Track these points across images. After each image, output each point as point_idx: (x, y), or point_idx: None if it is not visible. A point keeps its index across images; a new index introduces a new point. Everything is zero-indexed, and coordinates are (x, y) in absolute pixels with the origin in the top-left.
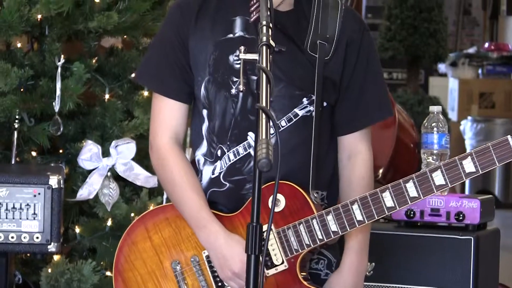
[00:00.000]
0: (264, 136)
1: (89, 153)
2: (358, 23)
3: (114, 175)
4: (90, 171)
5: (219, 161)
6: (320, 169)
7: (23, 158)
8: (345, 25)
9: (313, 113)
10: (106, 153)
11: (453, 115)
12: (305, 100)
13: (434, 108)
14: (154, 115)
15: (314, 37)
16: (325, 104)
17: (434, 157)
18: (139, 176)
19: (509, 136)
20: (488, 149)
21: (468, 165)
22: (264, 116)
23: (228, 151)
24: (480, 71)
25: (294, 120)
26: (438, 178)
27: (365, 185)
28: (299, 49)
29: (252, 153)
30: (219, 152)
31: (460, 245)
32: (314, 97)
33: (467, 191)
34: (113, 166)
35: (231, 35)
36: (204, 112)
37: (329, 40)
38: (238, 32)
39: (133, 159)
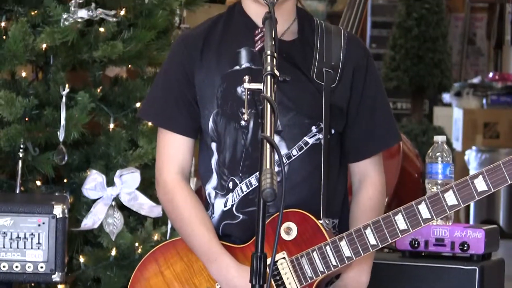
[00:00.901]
0: (268, 166)
1: (93, 183)
2: (362, 49)
3: (119, 205)
4: (94, 201)
5: (231, 193)
6: (331, 196)
7: (28, 187)
8: (350, 52)
9: (322, 141)
10: (110, 183)
11: (457, 145)
12: (313, 128)
13: (439, 138)
14: (160, 150)
15: (319, 65)
16: (333, 131)
17: (439, 187)
18: (144, 205)
19: None
20: (499, 167)
21: (480, 184)
22: (268, 145)
23: (240, 183)
24: (484, 101)
25: (305, 148)
26: (451, 198)
27: (372, 205)
28: (306, 77)
29: None
30: (230, 185)
31: (465, 275)
32: (322, 125)
33: (471, 221)
34: (118, 196)
35: (237, 67)
36: (213, 145)
37: (334, 68)
38: (245, 63)
39: (137, 188)
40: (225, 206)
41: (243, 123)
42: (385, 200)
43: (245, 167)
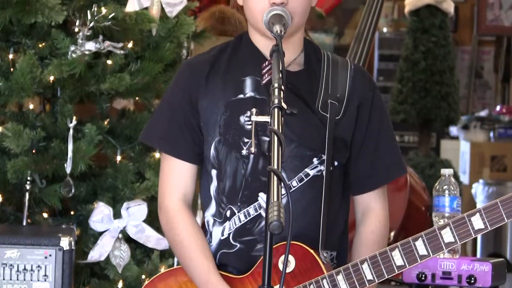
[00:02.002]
0: (275, 199)
1: (100, 215)
2: (368, 82)
3: (125, 237)
4: (101, 233)
5: (227, 221)
6: (330, 228)
7: (35, 219)
8: (356, 84)
9: (324, 173)
10: (117, 215)
11: (464, 178)
12: (315, 160)
13: (446, 171)
14: (163, 176)
15: (325, 96)
16: (336, 163)
17: (446, 220)
18: (150, 238)
19: None
20: (496, 205)
21: (477, 222)
22: (275, 178)
23: (238, 212)
24: (491, 134)
25: (305, 180)
26: (447, 235)
27: (375, 239)
28: (310, 109)
29: (263, 214)
30: (228, 213)
31: None
32: (324, 157)
33: (478, 254)
34: (124, 228)
35: (241, 96)
36: (213, 172)
37: (339, 100)
38: (249, 92)
39: (144, 221)
40: (222, 234)
41: (244, 152)
42: (388, 234)
43: (244, 196)
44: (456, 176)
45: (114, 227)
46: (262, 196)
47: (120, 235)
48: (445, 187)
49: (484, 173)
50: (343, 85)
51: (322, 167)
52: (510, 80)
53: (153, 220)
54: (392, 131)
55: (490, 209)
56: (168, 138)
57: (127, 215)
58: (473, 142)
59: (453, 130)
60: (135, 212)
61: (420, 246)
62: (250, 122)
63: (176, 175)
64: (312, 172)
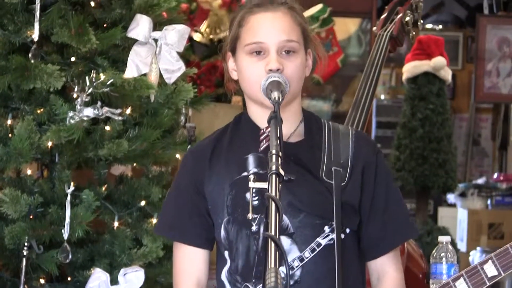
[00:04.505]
0: (272, 265)
1: (97, 281)
2: (371, 146)
3: None
4: None
5: None
6: None
7: (32, 285)
8: (359, 150)
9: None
10: (114, 281)
11: (462, 246)
12: (326, 228)
13: (443, 239)
14: (176, 264)
15: (328, 164)
16: (348, 230)
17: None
18: None
19: None
20: (507, 250)
21: (490, 269)
22: (273, 244)
23: None
24: (489, 201)
25: (318, 250)
26: (462, 286)
27: None
28: (315, 177)
29: None
30: None
31: None
32: (334, 224)
33: None
34: None
35: (245, 173)
36: (226, 253)
37: (343, 166)
38: (252, 169)
39: (141, 287)
40: None
41: (254, 229)
42: None
43: (258, 272)
44: (453, 243)
45: None
46: None
47: None
48: (442, 254)
49: (481, 240)
50: (346, 151)
51: (333, 235)
52: (508, 147)
53: (150, 286)
54: (399, 193)
55: (502, 255)
56: (177, 226)
57: (124, 281)
58: (471, 210)
59: (451, 197)
60: (132, 278)
61: None
62: (256, 198)
63: (188, 262)
64: (324, 241)
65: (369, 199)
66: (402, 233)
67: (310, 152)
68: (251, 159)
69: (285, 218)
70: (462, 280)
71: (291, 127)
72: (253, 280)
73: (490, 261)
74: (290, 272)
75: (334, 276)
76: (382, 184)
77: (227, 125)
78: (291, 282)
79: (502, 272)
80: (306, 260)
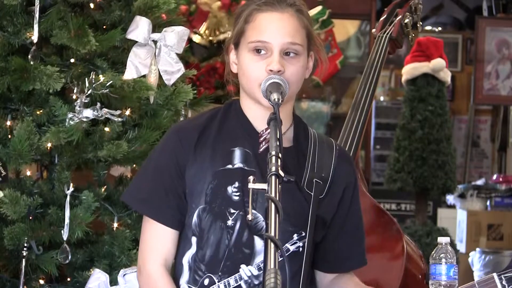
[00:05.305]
0: (272, 266)
1: (97, 282)
2: (351, 167)
3: None
4: None
5: None
6: None
7: (31, 286)
8: (340, 167)
9: (301, 249)
10: (114, 282)
11: (461, 247)
12: (295, 236)
13: (443, 240)
14: (145, 239)
15: (311, 174)
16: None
17: None
18: None
19: (495, 274)
20: (492, 279)
21: None
22: (272, 245)
23: (218, 282)
24: (488, 203)
25: (285, 254)
26: None
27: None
28: (297, 186)
29: (243, 285)
30: (206, 281)
31: None
32: (304, 234)
33: None
34: None
35: (230, 166)
36: (193, 239)
37: (324, 179)
38: (237, 163)
39: None
40: None
41: (229, 223)
42: None
43: (225, 267)
44: (453, 244)
45: None
46: (243, 268)
47: None
48: (441, 255)
49: (481, 241)
50: (328, 165)
51: (300, 243)
52: (507, 149)
53: None
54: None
55: (485, 283)
56: (153, 203)
57: (123, 282)
58: (470, 211)
59: (450, 198)
60: (131, 279)
61: None
62: (237, 193)
63: (158, 240)
64: (292, 248)
65: (343, 217)
66: (364, 258)
67: (296, 160)
68: (237, 153)
69: (261, 219)
70: None
71: (283, 128)
72: (219, 273)
73: None
74: (257, 273)
75: (298, 281)
76: (356, 204)
77: (217, 111)
78: (256, 282)
79: None
80: None
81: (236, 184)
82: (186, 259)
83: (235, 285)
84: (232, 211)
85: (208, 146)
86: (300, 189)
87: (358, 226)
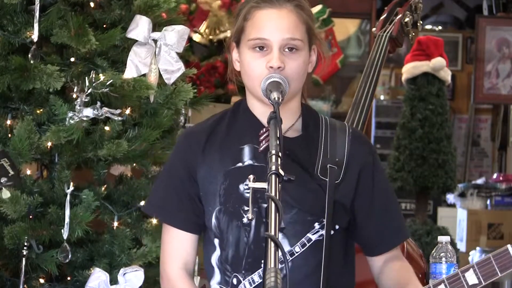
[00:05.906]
0: (272, 265)
1: (97, 281)
2: (367, 146)
3: None
4: None
5: None
6: None
7: (31, 285)
8: (355, 149)
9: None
10: (114, 281)
11: (461, 246)
12: (316, 225)
13: (443, 239)
14: (164, 245)
15: (324, 161)
16: (337, 227)
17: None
18: None
19: (509, 246)
20: (489, 259)
21: (471, 277)
22: (273, 244)
23: (243, 280)
24: (488, 202)
25: (308, 245)
26: None
27: (405, 272)
28: (309, 174)
29: None
30: (234, 281)
31: None
32: (324, 221)
33: None
34: None
35: (240, 164)
36: (216, 241)
37: (338, 164)
38: (247, 160)
39: (141, 287)
40: None
41: (245, 220)
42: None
43: (247, 264)
44: (453, 243)
45: None
46: None
47: None
48: (442, 254)
49: (481, 240)
50: (342, 149)
51: (323, 232)
52: (507, 148)
53: (149, 286)
54: (394, 192)
55: (483, 264)
56: (167, 209)
57: (123, 281)
58: (470, 210)
59: (450, 197)
60: (131, 278)
61: None
62: (249, 190)
63: (176, 245)
64: (314, 237)
65: (368, 199)
66: (403, 231)
67: (306, 149)
68: (246, 150)
69: None
70: (443, 286)
71: (289, 122)
72: (243, 272)
73: (471, 270)
74: (280, 266)
75: (321, 271)
76: (381, 184)
77: (225, 112)
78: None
79: (482, 281)
80: (296, 254)
81: (247, 181)
82: (214, 261)
83: (260, 281)
84: (246, 208)
85: (217, 146)
86: (313, 177)
87: (388, 204)
